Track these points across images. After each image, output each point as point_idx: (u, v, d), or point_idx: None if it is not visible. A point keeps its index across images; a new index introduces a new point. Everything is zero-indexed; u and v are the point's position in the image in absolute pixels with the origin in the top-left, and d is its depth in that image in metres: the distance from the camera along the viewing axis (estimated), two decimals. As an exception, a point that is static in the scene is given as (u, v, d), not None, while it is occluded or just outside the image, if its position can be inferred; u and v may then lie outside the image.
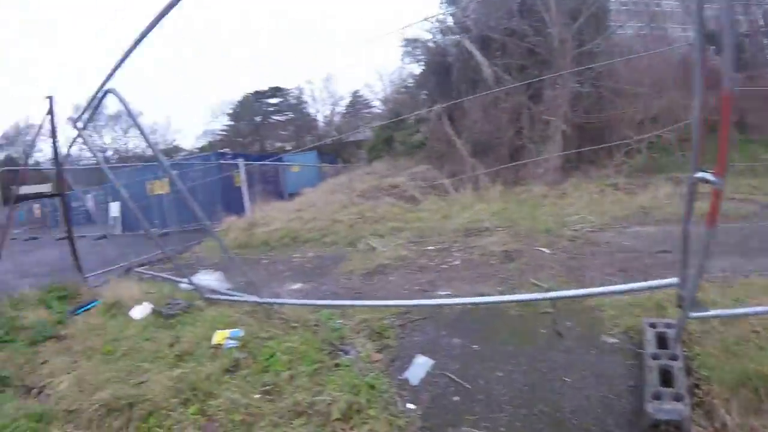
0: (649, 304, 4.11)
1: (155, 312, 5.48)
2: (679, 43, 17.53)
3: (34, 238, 18.56)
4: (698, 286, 2.75)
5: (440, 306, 5.05)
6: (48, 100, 7.46)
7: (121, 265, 9.88)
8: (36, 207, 29.61)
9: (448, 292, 5.68)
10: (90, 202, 23.48)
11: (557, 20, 15.51)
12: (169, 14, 3.20)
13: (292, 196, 16.22)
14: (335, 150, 34.54)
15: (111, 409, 3.51)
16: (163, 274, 7.63)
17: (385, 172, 15.50)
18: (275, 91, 46.01)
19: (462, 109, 16.75)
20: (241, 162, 14.25)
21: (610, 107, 14.80)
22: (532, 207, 10.18)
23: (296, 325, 4.59)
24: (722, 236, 3.93)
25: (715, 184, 2.22)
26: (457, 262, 6.92)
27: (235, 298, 5.30)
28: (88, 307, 6.76)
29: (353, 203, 11.39)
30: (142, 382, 3.83)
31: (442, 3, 19.76)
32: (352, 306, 5.18)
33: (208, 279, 6.55)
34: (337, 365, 3.84)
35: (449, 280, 6.19)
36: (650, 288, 3.52)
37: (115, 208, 19.51)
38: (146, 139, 6.08)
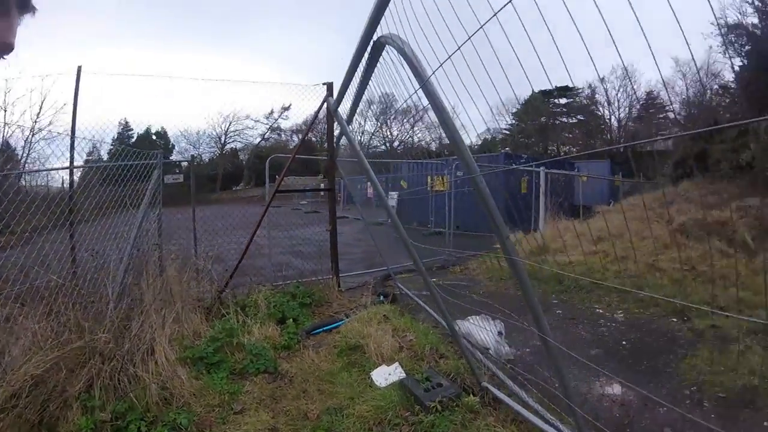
0: None
1: (405, 387, 3.82)
2: None
3: (316, 212, 19.36)
4: None
5: None
6: (325, 86, 7.06)
7: (381, 269, 8.87)
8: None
9: None
10: (370, 188, 24.28)
11: None
12: None
13: (584, 210, 13.66)
14: (629, 161, 30.27)
15: None
16: (428, 307, 6.03)
17: (703, 199, 11.74)
18: (564, 91, 42.68)
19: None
20: (542, 171, 12.11)
21: None
22: None
23: None
24: None
25: None
26: None
27: (530, 417, 3.26)
28: (329, 327, 5.69)
29: (676, 243, 8.40)
30: None
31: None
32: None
33: (482, 333, 4.61)
34: None
35: None
36: None
37: (393, 198, 19.39)
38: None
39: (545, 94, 42.24)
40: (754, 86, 14.54)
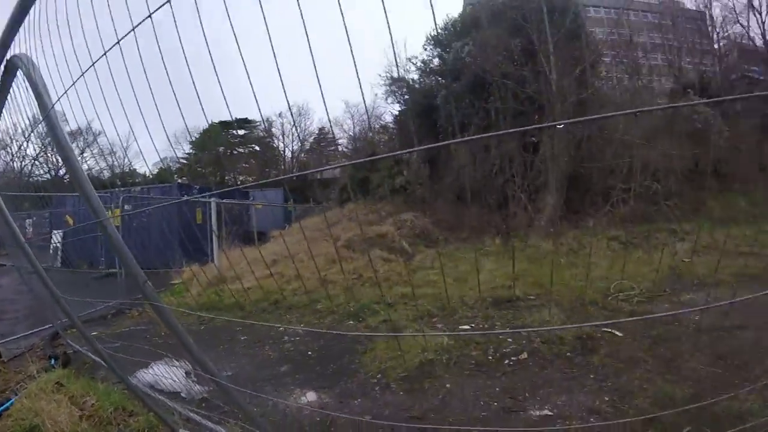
0: None
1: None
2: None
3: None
4: None
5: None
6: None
7: (47, 327, 7.34)
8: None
9: (549, 413, 3.80)
10: (28, 227, 20.32)
11: (556, 67, 15.22)
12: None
13: (260, 236, 13.97)
14: (301, 188, 32.49)
15: None
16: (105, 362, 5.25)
17: (365, 217, 13.77)
18: (242, 123, 43.87)
19: (448, 154, 15.92)
20: (213, 201, 11.78)
21: (600, 156, 14.51)
22: (552, 267, 8.39)
23: None
24: None
25: None
26: (523, 356, 4.99)
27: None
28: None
29: (342, 257, 9.23)
30: None
31: (427, 43, 19.21)
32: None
33: (167, 378, 4.25)
34: None
35: (535, 388, 4.28)
36: None
37: (57, 238, 16.68)
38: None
39: (224, 124, 42.50)
40: (407, 127, 18.69)
